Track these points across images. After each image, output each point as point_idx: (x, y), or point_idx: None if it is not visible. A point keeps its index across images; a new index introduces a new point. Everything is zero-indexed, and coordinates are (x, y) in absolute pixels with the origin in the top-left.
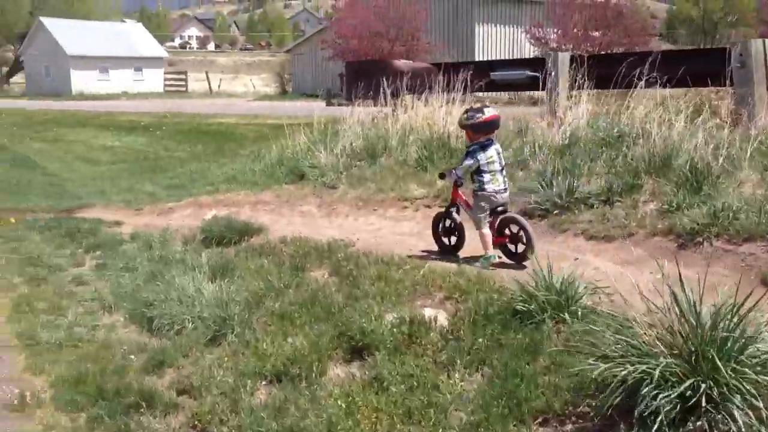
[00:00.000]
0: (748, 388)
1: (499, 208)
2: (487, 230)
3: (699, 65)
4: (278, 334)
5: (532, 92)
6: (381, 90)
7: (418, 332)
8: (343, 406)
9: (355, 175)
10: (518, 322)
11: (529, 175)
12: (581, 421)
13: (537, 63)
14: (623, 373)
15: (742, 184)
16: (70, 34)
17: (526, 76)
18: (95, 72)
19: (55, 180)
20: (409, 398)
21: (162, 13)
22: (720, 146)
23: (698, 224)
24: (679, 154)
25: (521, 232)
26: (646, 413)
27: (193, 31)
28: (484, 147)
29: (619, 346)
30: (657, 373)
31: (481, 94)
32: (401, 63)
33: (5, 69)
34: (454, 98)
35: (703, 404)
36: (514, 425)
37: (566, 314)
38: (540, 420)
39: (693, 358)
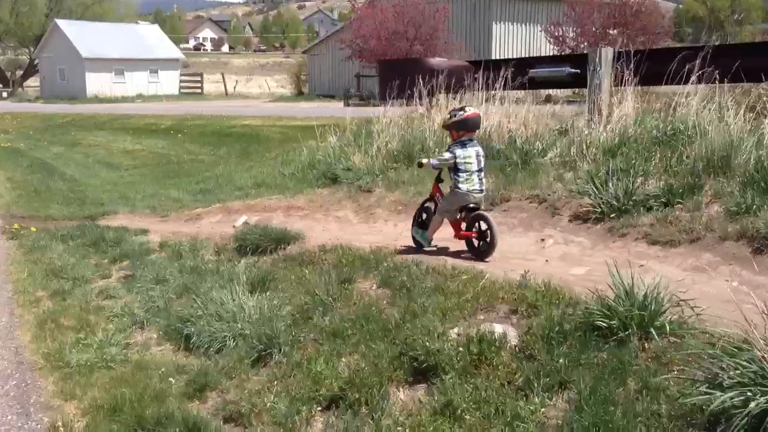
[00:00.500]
0: None
1: (472, 205)
2: (439, 220)
3: (754, 59)
4: (331, 354)
5: (565, 90)
6: (415, 89)
7: (487, 351)
8: None
9: (391, 178)
10: (599, 340)
11: (579, 176)
12: None
13: (578, 59)
14: (752, 405)
15: None
16: (85, 36)
17: (567, 73)
18: (110, 74)
19: (75, 186)
20: (488, 428)
21: (176, 15)
22: None
23: None
24: (739, 152)
25: (488, 230)
26: None
27: (208, 33)
28: (463, 145)
29: (737, 371)
30: None
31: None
32: (436, 61)
33: (20, 72)
34: (493, 97)
35: None
36: None
37: (652, 330)
38: None
39: None
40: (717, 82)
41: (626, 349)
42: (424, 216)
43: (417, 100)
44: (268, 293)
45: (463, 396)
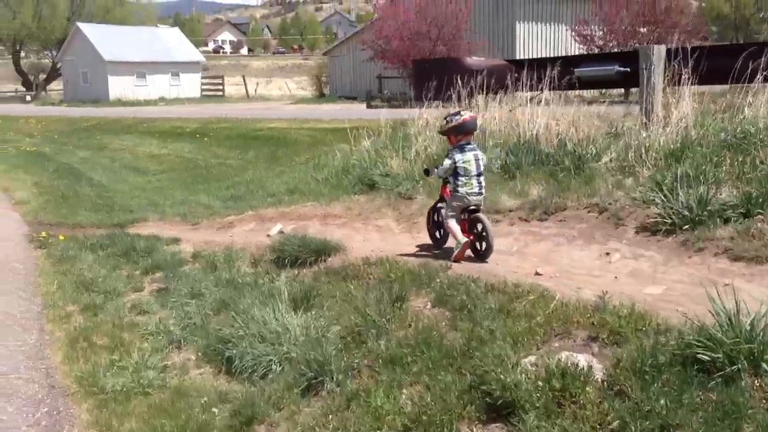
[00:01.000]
0: None
1: (472, 207)
2: (453, 223)
3: None
4: (391, 384)
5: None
6: (453, 90)
7: (572, 386)
8: None
9: (433, 184)
10: (701, 375)
11: (640, 183)
12: None
13: (628, 57)
14: None
15: None
16: (107, 39)
17: (615, 72)
18: (132, 77)
19: (102, 191)
20: None
21: (195, 18)
22: None
23: None
24: None
25: (483, 232)
26: None
27: (227, 36)
28: (462, 149)
29: None
30: None
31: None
32: (474, 60)
33: (43, 76)
34: (538, 98)
35: None
36: None
37: (764, 365)
38: None
39: None
40: None
41: (737, 388)
42: (436, 216)
43: (455, 101)
44: (312, 311)
45: None
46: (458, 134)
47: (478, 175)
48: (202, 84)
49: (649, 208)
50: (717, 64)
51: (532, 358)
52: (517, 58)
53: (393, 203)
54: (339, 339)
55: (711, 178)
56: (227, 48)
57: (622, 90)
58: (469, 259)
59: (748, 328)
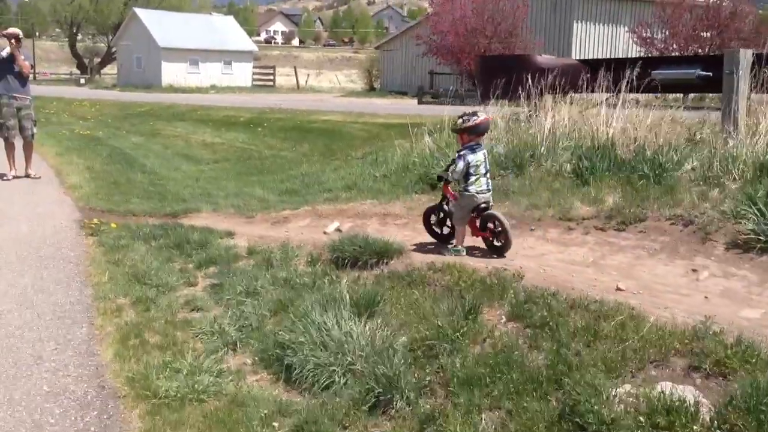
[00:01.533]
0: None
1: (482, 205)
2: (461, 227)
3: None
4: (469, 407)
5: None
6: (520, 89)
7: (678, 424)
8: None
9: (499, 186)
10: None
11: (727, 195)
12: None
13: (710, 61)
14: None
15: None
16: (162, 26)
17: (697, 76)
18: (185, 64)
19: (155, 179)
20: None
21: (249, 7)
22: None
23: None
24: None
25: (501, 230)
26: None
27: (279, 26)
28: (473, 150)
29: None
30: None
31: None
32: (544, 59)
33: (97, 59)
34: (609, 101)
35: None
36: None
37: None
38: None
39: None
40: None
41: None
42: (441, 214)
43: (524, 100)
44: (378, 319)
45: None
46: (472, 134)
47: (486, 173)
48: (254, 73)
49: (741, 223)
50: None
51: (627, 388)
52: (576, 58)
53: None
54: (407, 351)
55: None
56: (279, 38)
57: (690, 95)
58: (484, 253)
59: None
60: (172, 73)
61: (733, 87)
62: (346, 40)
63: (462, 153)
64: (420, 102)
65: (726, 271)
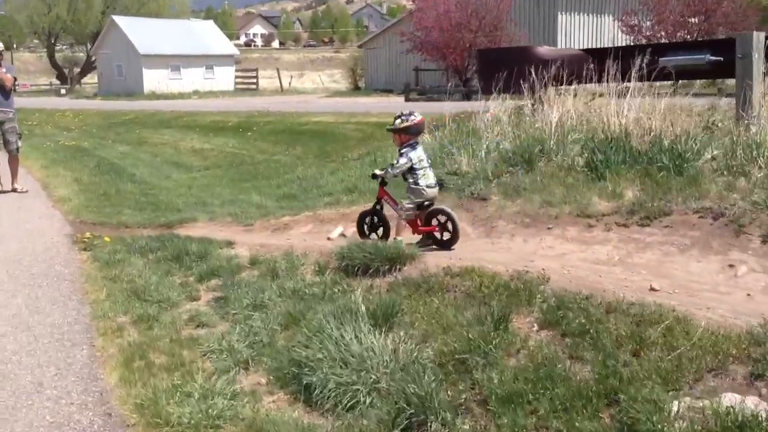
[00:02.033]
0: None
1: (426, 203)
2: (409, 219)
3: None
4: (515, 428)
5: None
6: (523, 81)
7: None
8: None
9: (509, 183)
10: None
11: (756, 184)
12: None
13: (721, 45)
14: None
15: None
16: (142, 33)
17: (707, 61)
18: (167, 71)
19: (146, 188)
20: None
21: (227, 11)
22: None
23: None
24: None
25: (448, 222)
26: None
27: (258, 29)
28: (413, 147)
29: None
30: None
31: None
32: (545, 50)
33: (77, 69)
34: (626, 90)
35: None
36: None
37: None
38: None
39: None
40: None
41: None
42: (377, 219)
43: (528, 93)
44: (400, 332)
45: None
46: (410, 134)
47: (429, 166)
48: (236, 77)
49: None
50: None
51: (688, 401)
52: (579, 48)
53: (465, 204)
54: (435, 366)
55: None
56: (258, 41)
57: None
58: (430, 249)
59: None
60: (153, 79)
61: (748, 71)
62: (327, 40)
63: (403, 151)
64: (407, 99)
65: (766, 266)
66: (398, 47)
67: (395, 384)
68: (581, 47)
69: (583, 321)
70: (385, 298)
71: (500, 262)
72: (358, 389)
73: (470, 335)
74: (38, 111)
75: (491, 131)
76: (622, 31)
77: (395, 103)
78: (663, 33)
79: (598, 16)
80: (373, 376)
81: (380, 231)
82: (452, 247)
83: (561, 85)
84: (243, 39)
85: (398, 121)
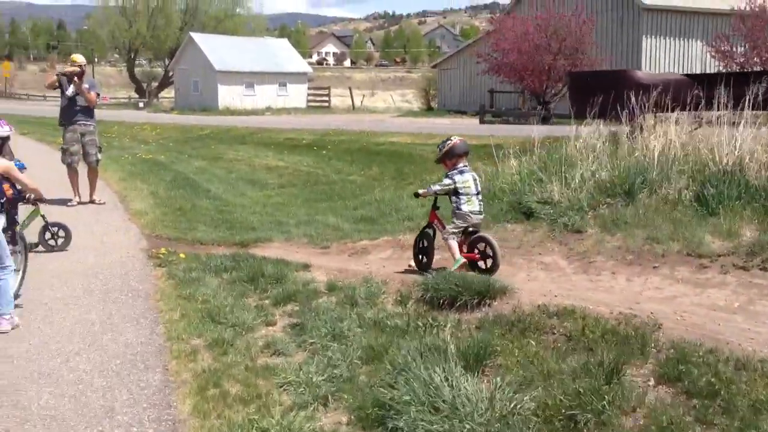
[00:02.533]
0: None
1: (471, 229)
2: (453, 242)
3: None
4: None
5: None
6: (620, 107)
7: None
8: None
9: (606, 216)
10: None
11: None
12: None
13: None
14: None
15: None
16: (218, 49)
17: None
18: (241, 87)
19: (221, 205)
20: None
21: (301, 30)
22: None
23: None
24: None
25: (488, 249)
26: None
27: (330, 48)
28: (461, 172)
29: None
30: None
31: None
32: (644, 74)
33: (155, 84)
34: (736, 119)
35: None
36: None
37: None
38: None
39: None
40: None
41: None
42: (425, 243)
43: (625, 120)
44: (497, 378)
45: None
46: (451, 158)
47: (477, 194)
48: (308, 95)
49: None
50: None
51: None
52: (681, 72)
53: (558, 237)
54: (539, 419)
55: None
56: (330, 60)
57: None
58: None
59: None
60: (228, 95)
61: None
62: (398, 60)
63: (450, 173)
64: (482, 122)
65: None
66: (473, 68)
67: None
68: (668, 72)
69: (712, 380)
70: (477, 336)
71: (602, 302)
72: None
73: (579, 387)
74: (117, 124)
75: (585, 159)
76: (712, 57)
77: (469, 124)
78: (757, 59)
79: (686, 40)
80: (468, 426)
81: (426, 257)
82: (493, 275)
83: (662, 112)
84: (315, 57)
85: (437, 150)
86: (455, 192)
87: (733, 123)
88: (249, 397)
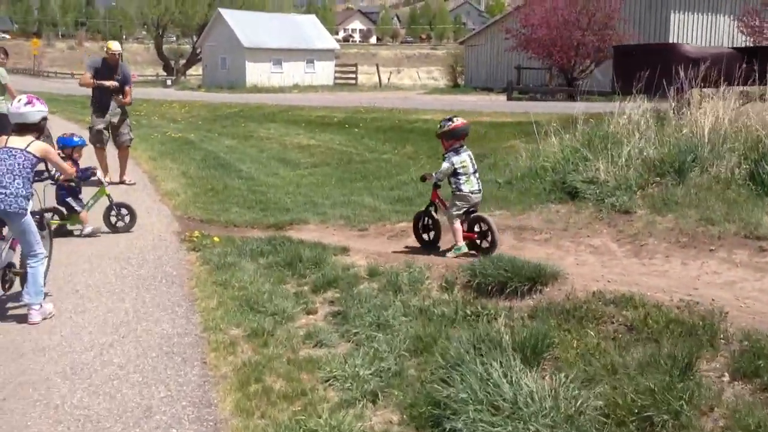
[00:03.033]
0: None
1: (471, 209)
2: (458, 225)
3: None
4: None
5: None
6: (667, 82)
7: None
8: None
9: (656, 196)
10: None
11: None
12: None
13: None
14: None
15: None
16: (246, 26)
17: None
18: (269, 64)
19: (253, 185)
20: None
21: (327, 6)
22: None
23: None
24: None
25: (488, 230)
26: None
27: (356, 24)
28: (457, 152)
29: None
30: None
31: None
32: (692, 48)
33: (182, 61)
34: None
35: None
36: None
37: None
38: None
39: None
40: None
41: None
42: (429, 221)
43: (672, 95)
44: (558, 372)
45: None
46: (450, 139)
47: (475, 172)
48: (335, 72)
49: None
50: None
51: None
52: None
53: (606, 218)
54: (612, 423)
55: None
56: (356, 37)
57: None
58: (470, 256)
59: None
60: (256, 72)
61: None
62: (424, 36)
63: (447, 155)
64: (509, 98)
65: None
66: (500, 45)
67: None
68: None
69: None
70: (532, 327)
71: (658, 288)
72: None
73: (650, 384)
74: (146, 101)
75: (632, 136)
76: (742, 32)
77: (497, 101)
78: None
79: (714, 15)
80: (532, 427)
81: (432, 234)
82: (490, 255)
83: (709, 87)
84: (341, 34)
85: (438, 126)
86: (454, 173)
87: None
88: (293, 394)
